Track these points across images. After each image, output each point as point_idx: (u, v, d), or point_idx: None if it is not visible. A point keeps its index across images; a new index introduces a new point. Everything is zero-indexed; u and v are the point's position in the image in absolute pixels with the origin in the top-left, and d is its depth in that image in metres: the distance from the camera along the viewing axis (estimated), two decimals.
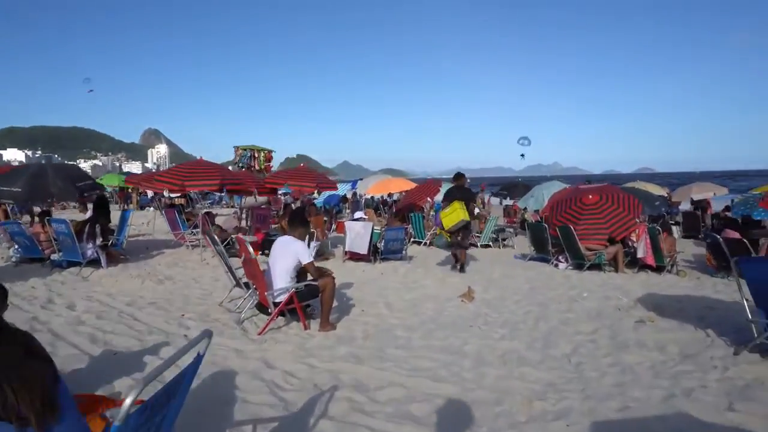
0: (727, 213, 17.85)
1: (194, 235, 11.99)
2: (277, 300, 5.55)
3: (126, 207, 22.07)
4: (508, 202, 22.66)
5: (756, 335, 4.87)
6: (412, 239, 14.27)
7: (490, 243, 14.02)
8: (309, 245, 8.10)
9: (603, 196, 10.64)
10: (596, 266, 10.15)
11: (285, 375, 4.40)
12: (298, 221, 6.23)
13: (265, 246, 10.75)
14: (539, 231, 11.20)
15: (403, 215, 14.43)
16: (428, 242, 13.94)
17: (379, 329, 5.91)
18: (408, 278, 9.20)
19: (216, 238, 7.21)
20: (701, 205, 17.80)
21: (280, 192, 15.95)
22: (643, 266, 10.20)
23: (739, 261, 5.34)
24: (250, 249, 5.90)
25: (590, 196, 10.70)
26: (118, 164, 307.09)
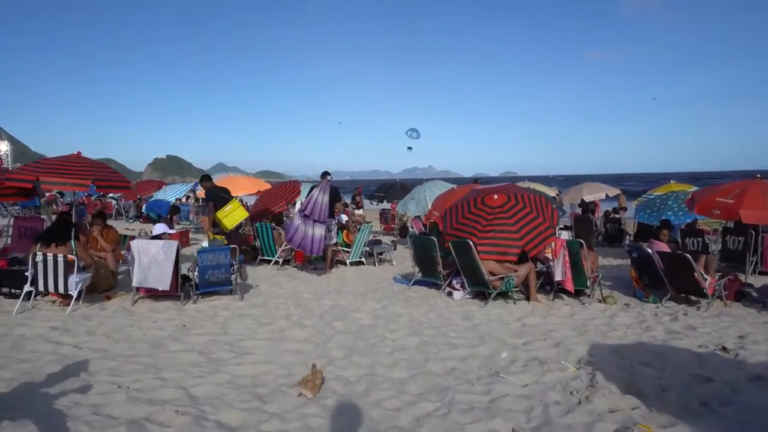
0: (616, 215, 16.62)
1: None
2: None
3: None
4: (386, 205, 19.92)
5: None
6: (260, 257, 10.66)
7: (363, 259, 10.86)
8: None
9: (511, 196, 7.90)
10: (500, 293, 7.37)
11: None
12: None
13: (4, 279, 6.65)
14: (426, 247, 8.20)
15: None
16: (281, 260, 10.41)
17: None
18: (226, 333, 5.65)
19: None
20: (590, 208, 16.32)
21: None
22: (561, 290, 7.66)
23: None
24: None
25: (495, 197, 7.91)
26: None
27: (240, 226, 9.85)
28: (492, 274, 7.34)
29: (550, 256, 7.61)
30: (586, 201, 15.67)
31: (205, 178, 10.57)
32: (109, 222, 20.50)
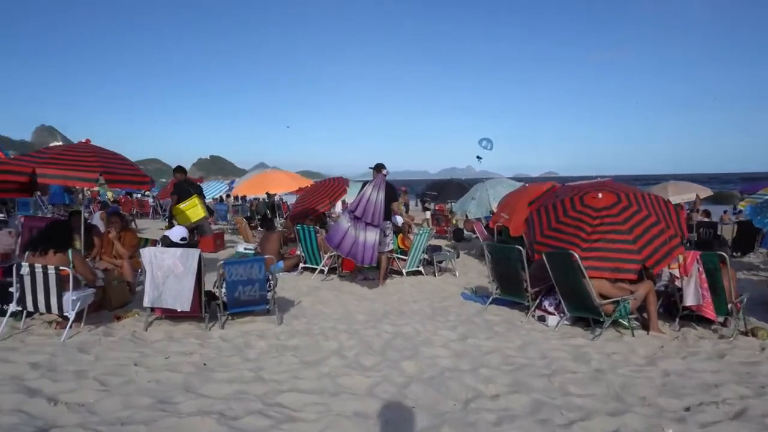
0: (706, 218, 14.48)
1: None
2: None
3: None
4: (416, 207, 18.31)
5: None
6: (302, 266, 9.20)
7: (421, 268, 9.25)
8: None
9: (621, 195, 6.13)
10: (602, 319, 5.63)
11: None
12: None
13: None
14: (508, 258, 6.49)
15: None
16: (326, 269, 8.92)
17: None
18: (260, 379, 4.14)
19: None
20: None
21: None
22: (685, 316, 5.87)
23: None
24: None
25: (599, 196, 6.16)
26: None
27: (200, 228, 9.00)
28: (602, 296, 5.61)
29: (677, 272, 5.83)
30: (672, 203, 13.59)
31: (177, 169, 9.69)
32: (146, 222, 19.56)
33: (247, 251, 9.73)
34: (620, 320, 5.69)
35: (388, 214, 7.80)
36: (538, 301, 6.38)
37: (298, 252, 9.27)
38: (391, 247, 8.17)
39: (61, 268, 4.85)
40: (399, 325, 5.88)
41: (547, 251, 5.90)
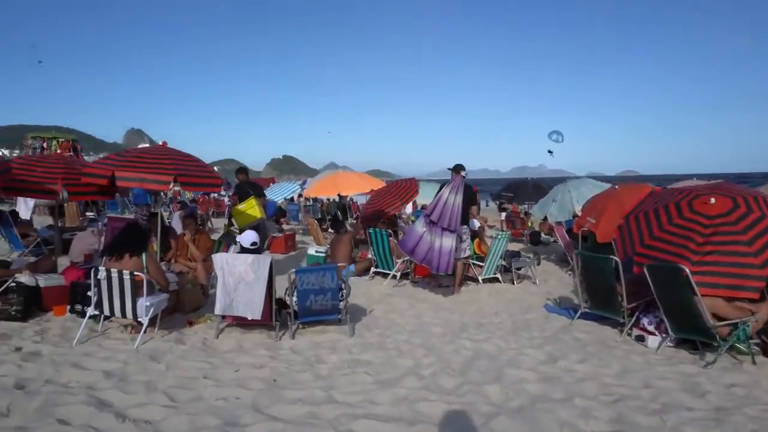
0: None
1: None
2: None
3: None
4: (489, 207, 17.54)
5: None
6: (373, 270, 8.91)
7: (498, 275, 8.71)
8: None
9: (739, 200, 5.34)
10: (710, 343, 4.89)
11: None
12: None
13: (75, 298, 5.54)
14: (601, 270, 5.83)
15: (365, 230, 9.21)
16: (397, 275, 8.58)
17: None
18: (331, 400, 3.85)
19: None
20: None
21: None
22: None
23: None
24: None
25: (712, 200, 5.40)
26: None
27: (257, 228, 9.12)
28: (716, 316, 4.89)
29: None
30: None
31: (239, 171, 9.74)
32: (222, 221, 20.11)
33: (318, 254, 9.58)
34: (737, 345, 4.94)
35: (466, 218, 7.34)
36: (634, 318, 5.71)
37: (370, 255, 9.00)
38: (468, 253, 7.70)
39: (135, 273, 4.80)
40: (479, 341, 5.43)
41: (650, 264, 5.23)
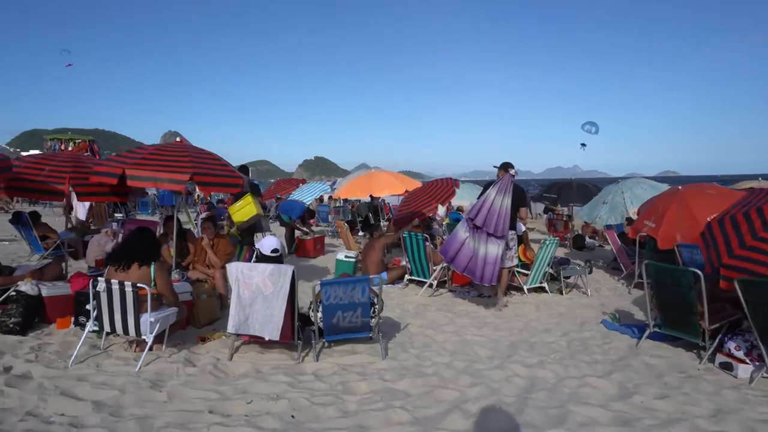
0: None
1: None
2: None
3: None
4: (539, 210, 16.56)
5: None
6: (407, 278, 8.17)
7: (545, 284, 7.86)
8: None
9: None
10: None
11: None
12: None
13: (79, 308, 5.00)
14: (677, 285, 4.93)
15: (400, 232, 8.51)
16: (434, 283, 7.82)
17: None
18: (363, 429, 3.15)
19: None
20: None
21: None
22: None
23: None
24: None
25: None
26: None
27: (256, 226, 8.74)
28: None
29: None
30: None
31: (239, 169, 9.08)
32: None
33: (347, 259, 8.91)
34: None
35: (514, 223, 6.53)
36: (716, 341, 4.83)
37: (404, 262, 8.27)
38: (515, 261, 6.88)
39: (139, 286, 4.19)
40: (532, 366, 4.64)
41: (743, 278, 4.35)
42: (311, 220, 15.74)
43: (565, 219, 15.80)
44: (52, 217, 15.42)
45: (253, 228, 8.46)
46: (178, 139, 6.52)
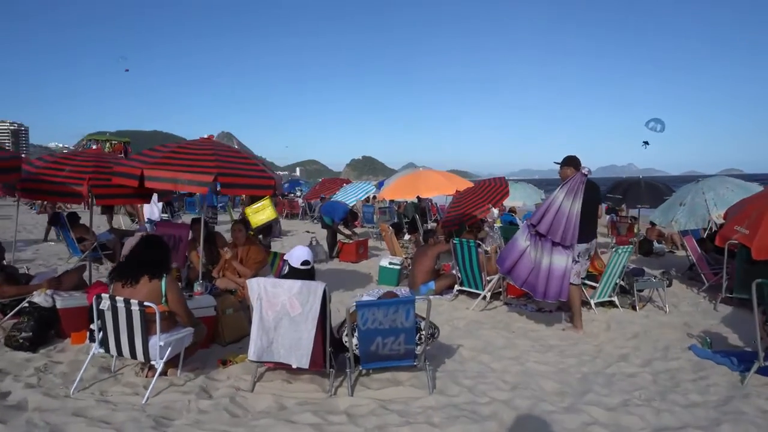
0: None
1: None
2: None
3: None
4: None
5: None
6: (457, 288, 7.37)
7: (615, 298, 6.89)
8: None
9: None
10: None
11: None
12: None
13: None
14: None
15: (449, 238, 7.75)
16: (488, 295, 7.00)
17: None
18: None
19: None
20: None
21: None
22: None
23: None
24: None
25: None
26: None
27: (269, 230, 8.29)
28: None
29: None
30: None
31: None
32: (295, 223, 19.26)
33: (392, 266, 8.19)
34: None
35: (592, 230, 5.56)
36: None
37: (454, 271, 7.48)
38: (583, 274, 5.93)
39: (146, 304, 3.62)
40: (614, 409, 3.77)
41: None
42: (356, 222, 15.13)
43: (630, 222, 14.54)
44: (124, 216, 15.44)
45: (267, 231, 8.16)
46: (235, 145, 6.02)
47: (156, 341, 3.69)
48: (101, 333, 3.80)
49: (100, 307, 3.69)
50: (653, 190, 11.51)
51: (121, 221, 14.86)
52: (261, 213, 7.37)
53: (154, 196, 9.87)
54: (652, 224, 13.17)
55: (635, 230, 13.46)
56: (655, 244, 12.66)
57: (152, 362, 3.76)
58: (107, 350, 3.84)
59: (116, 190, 5.28)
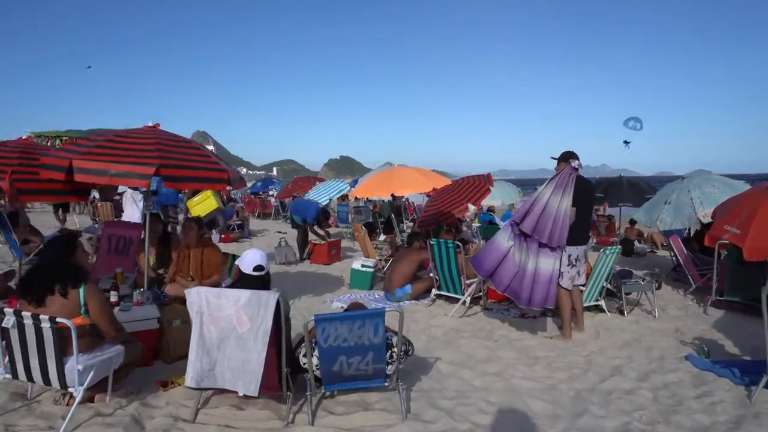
0: None
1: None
2: None
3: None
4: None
5: None
6: (435, 292, 6.84)
7: (602, 302, 6.44)
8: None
9: None
10: None
11: None
12: None
13: None
14: None
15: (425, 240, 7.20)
16: (467, 301, 6.48)
17: None
18: None
19: None
20: None
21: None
22: None
23: None
24: None
25: None
26: None
27: (212, 223, 7.94)
28: None
29: None
30: None
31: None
32: (267, 222, 18.53)
33: (365, 269, 7.63)
34: None
35: (585, 233, 5.06)
36: None
37: (431, 274, 6.95)
38: (582, 280, 5.40)
39: (58, 320, 2.98)
40: None
41: None
42: (330, 220, 14.50)
43: (607, 221, 14.24)
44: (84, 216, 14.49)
45: (210, 224, 7.71)
46: (211, 148, 5.38)
47: (73, 364, 3.05)
48: (7, 357, 3.15)
49: (4, 324, 3.04)
50: (635, 188, 11.20)
51: (76, 221, 13.98)
52: (204, 204, 6.85)
53: (135, 194, 8.92)
54: (632, 223, 12.89)
55: (615, 229, 13.16)
56: (636, 243, 12.36)
57: (69, 389, 3.13)
58: (14, 376, 3.18)
59: (45, 185, 4.59)
